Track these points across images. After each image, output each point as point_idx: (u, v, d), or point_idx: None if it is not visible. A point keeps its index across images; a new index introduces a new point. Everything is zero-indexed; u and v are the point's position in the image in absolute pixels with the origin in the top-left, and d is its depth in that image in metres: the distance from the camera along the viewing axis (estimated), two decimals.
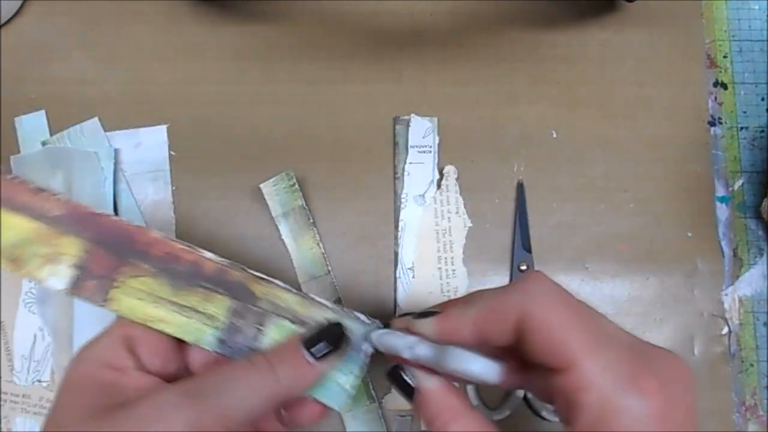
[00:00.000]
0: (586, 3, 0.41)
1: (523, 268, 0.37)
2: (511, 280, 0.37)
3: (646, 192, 0.38)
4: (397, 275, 0.37)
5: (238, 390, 0.22)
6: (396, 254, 0.37)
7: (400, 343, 0.24)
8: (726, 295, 0.37)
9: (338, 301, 0.36)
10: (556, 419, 0.35)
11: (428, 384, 0.24)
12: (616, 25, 0.41)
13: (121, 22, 0.40)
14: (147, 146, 0.38)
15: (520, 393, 0.35)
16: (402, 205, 0.38)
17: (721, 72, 0.40)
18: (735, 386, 0.36)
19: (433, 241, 0.37)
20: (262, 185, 0.37)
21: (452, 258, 0.37)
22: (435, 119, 0.39)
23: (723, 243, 0.38)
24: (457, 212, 0.38)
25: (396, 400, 0.36)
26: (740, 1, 0.41)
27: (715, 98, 0.40)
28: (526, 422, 0.36)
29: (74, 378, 0.24)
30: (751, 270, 0.38)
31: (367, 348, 0.26)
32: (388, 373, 0.25)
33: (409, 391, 0.24)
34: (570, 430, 0.20)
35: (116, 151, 0.38)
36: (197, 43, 0.40)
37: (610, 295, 0.37)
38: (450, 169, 0.38)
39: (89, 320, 0.35)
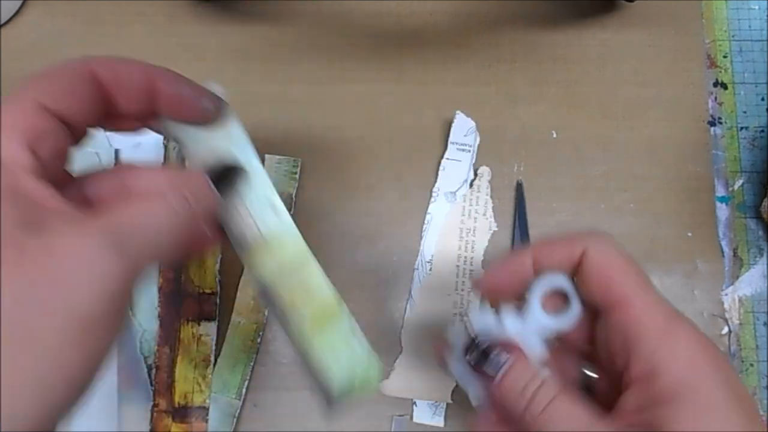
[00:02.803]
0: (586, 3, 0.41)
1: None
2: None
3: (646, 192, 0.38)
4: (416, 266, 0.37)
5: (154, 232, 0.20)
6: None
7: (490, 320, 0.25)
8: (726, 295, 0.37)
9: None
10: None
11: (511, 359, 0.24)
12: (616, 25, 0.41)
13: (121, 22, 0.40)
14: (147, 146, 0.38)
15: None
16: (432, 199, 0.38)
17: (721, 72, 0.40)
18: None
19: (455, 239, 0.37)
20: (267, 155, 0.37)
21: (472, 258, 0.37)
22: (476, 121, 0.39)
23: (723, 243, 0.38)
24: (484, 214, 0.38)
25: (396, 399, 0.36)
26: (740, 1, 0.41)
27: (715, 98, 0.40)
28: None
29: None
30: (751, 270, 0.38)
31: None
32: (481, 354, 0.24)
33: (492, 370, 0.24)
34: (633, 366, 0.22)
35: (116, 151, 0.38)
36: (197, 43, 0.40)
37: None
38: (484, 171, 0.38)
39: None
